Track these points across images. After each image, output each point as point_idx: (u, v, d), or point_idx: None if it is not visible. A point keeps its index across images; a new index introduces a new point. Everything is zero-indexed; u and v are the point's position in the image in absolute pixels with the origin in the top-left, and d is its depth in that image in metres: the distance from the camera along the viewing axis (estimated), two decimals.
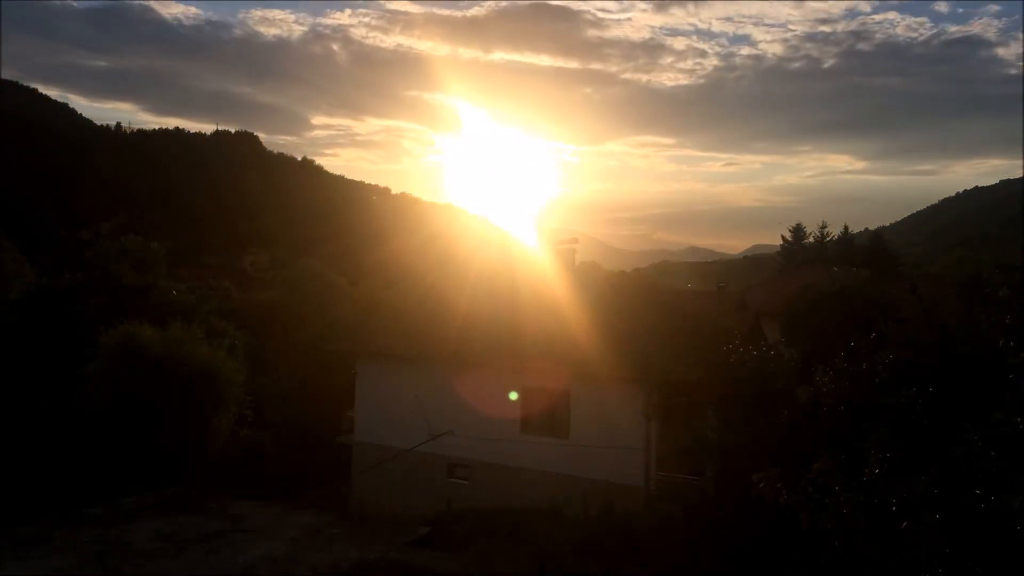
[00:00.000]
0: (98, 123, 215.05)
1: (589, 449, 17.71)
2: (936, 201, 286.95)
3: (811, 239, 72.11)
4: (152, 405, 19.59)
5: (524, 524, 14.66)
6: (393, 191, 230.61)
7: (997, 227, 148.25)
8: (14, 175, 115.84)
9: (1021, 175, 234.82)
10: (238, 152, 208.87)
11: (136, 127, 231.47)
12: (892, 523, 7.15)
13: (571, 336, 19.18)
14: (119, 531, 6.92)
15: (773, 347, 19.26)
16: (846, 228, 77.44)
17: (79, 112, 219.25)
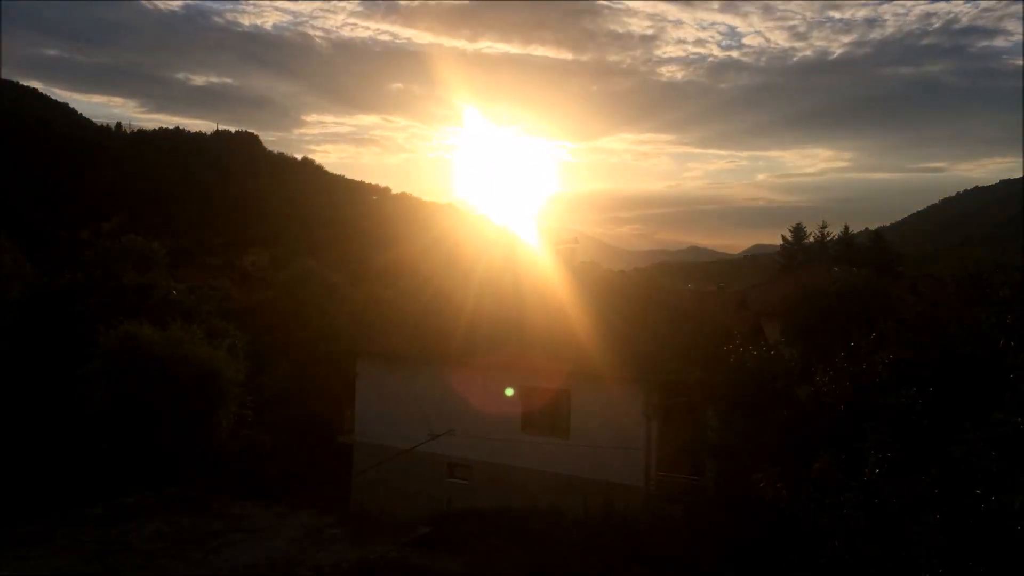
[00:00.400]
0: (97, 123, 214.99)
1: (589, 449, 17.71)
2: (937, 201, 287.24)
3: (811, 239, 72.08)
4: (152, 405, 19.58)
5: (524, 524, 14.66)
6: (393, 191, 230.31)
7: (997, 227, 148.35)
8: (14, 175, 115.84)
9: (1021, 175, 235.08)
10: (238, 152, 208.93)
11: (136, 127, 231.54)
12: (892, 523, 7.15)
13: (571, 336, 19.18)
14: (119, 531, 6.93)
15: (773, 347, 19.27)
16: (846, 228, 77.37)
17: (79, 112, 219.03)
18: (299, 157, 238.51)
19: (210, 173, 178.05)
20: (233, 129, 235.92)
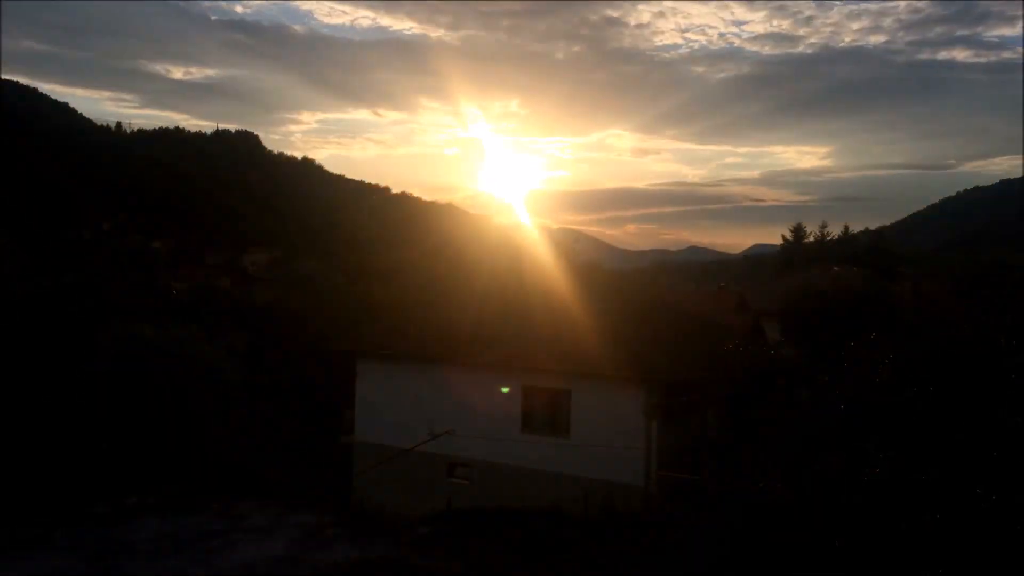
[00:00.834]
0: (98, 123, 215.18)
1: (589, 448, 17.71)
2: (936, 200, 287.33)
3: (811, 239, 72.21)
4: (152, 405, 19.62)
5: (524, 524, 14.66)
6: (393, 190, 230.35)
7: (997, 227, 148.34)
8: (14, 175, 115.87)
9: (1021, 175, 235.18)
10: (238, 151, 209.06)
11: (136, 127, 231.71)
12: (892, 523, 7.15)
13: (572, 335, 19.19)
14: (120, 531, 6.94)
15: (773, 347, 19.29)
16: (846, 228, 77.66)
17: (79, 111, 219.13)
18: (299, 156, 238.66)
19: (210, 173, 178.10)
20: (233, 129, 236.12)
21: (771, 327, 26.40)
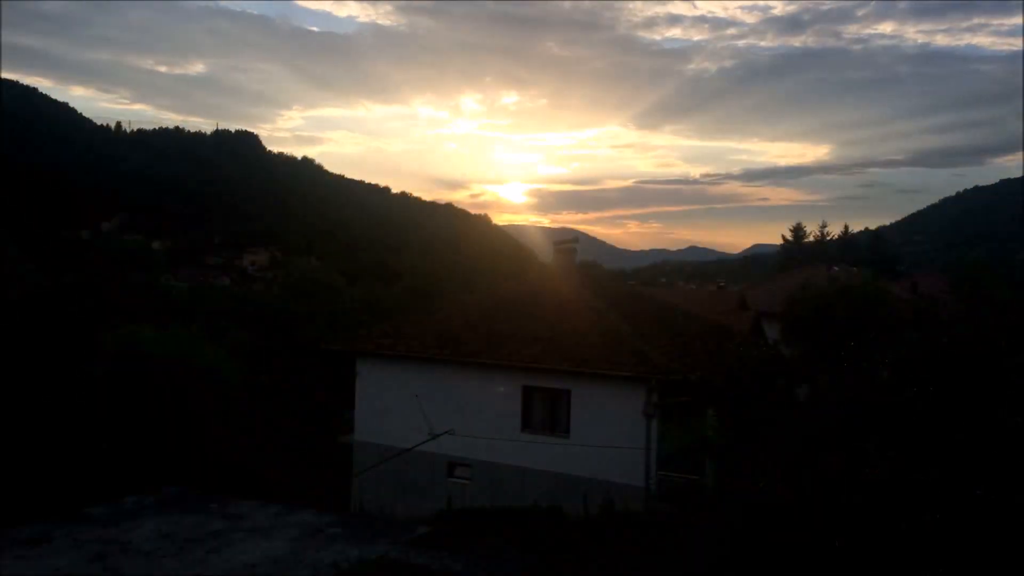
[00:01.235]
0: (98, 122, 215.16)
1: (589, 448, 17.71)
2: (936, 200, 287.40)
3: (811, 238, 72.26)
4: (152, 405, 19.62)
5: (524, 524, 14.67)
6: (393, 190, 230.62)
7: (997, 227, 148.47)
8: (14, 175, 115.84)
9: (1021, 175, 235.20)
10: (238, 152, 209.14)
11: (136, 127, 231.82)
12: (892, 523, 7.15)
13: (572, 335, 19.20)
14: (119, 531, 6.94)
15: (773, 347, 19.30)
16: (846, 228, 77.85)
17: (79, 111, 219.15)
18: (299, 156, 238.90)
19: (210, 173, 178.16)
20: (233, 128, 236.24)
21: (771, 327, 26.41)
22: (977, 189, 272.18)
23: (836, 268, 37.58)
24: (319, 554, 6.48)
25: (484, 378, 19.69)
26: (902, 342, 12.80)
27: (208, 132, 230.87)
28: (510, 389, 19.42)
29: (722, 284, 53.49)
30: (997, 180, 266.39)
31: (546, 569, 10.11)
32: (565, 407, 18.87)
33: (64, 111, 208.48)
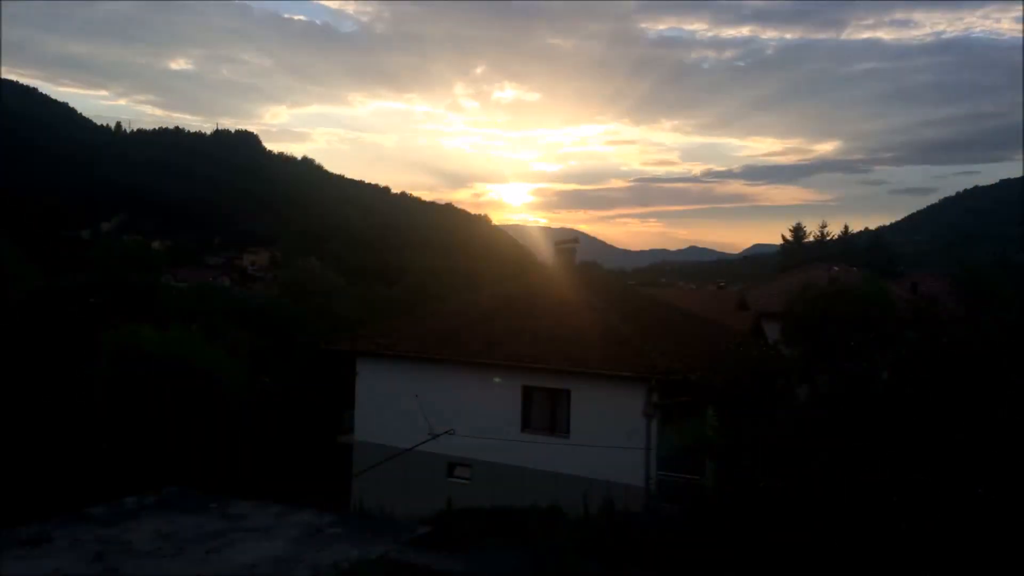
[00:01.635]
0: (98, 123, 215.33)
1: (589, 448, 17.71)
2: (936, 200, 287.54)
3: (811, 239, 72.27)
4: (152, 405, 19.63)
5: (524, 524, 14.67)
6: (393, 190, 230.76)
7: (997, 227, 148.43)
8: (15, 175, 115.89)
9: (1021, 175, 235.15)
10: (238, 152, 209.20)
11: (136, 127, 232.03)
12: (893, 523, 7.16)
13: (572, 335, 19.20)
14: (119, 531, 6.94)
15: (773, 347, 19.30)
16: (846, 228, 77.90)
17: (79, 111, 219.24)
18: (299, 156, 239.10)
19: (210, 173, 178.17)
20: (233, 128, 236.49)
21: (771, 327, 26.40)
22: (977, 189, 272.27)
23: (836, 268, 37.59)
24: (319, 554, 6.47)
25: (484, 378, 19.69)
26: (902, 342, 12.81)
27: (208, 132, 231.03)
28: (510, 389, 19.42)
29: (722, 284, 53.52)
30: (997, 180, 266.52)
31: (546, 569, 10.11)
32: (565, 407, 18.87)
33: (64, 111, 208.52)
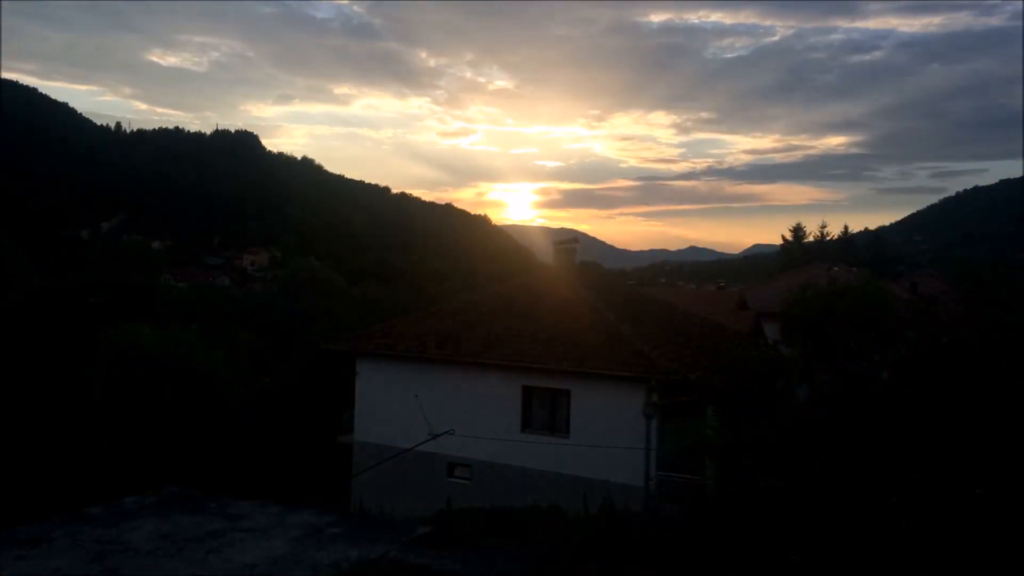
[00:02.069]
0: (98, 123, 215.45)
1: (589, 449, 17.72)
2: (936, 201, 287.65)
3: (811, 239, 72.26)
4: (152, 405, 19.63)
5: (524, 524, 14.66)
6: (393, 190, 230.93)
7: (997, 227, 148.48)
8: (15, 175, 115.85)
9: (1021, 175, 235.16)
10: (238, 152, 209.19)
11: (136, 127, 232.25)
12: (893, 523, 7.15)
13: (571, 335, 19.19)
14: (119, 531, 6.95)
15: (773, 347, 19.29)
16: (846, 228, 77.86)
17: (79, 111, 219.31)
18: (299, 157, 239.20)
19: (210, 173, 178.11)
20: (232, 129, 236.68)
21: (771, 327, 26.39)
22: (977, 189, 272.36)
23: (836, 268, 37.58)
24: (319, 554, 6.48)
25: (484, 378, 19.70)
26: (902, 342, 12.81)
27: (208, 132, 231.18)
28: (510, 389, 19.42)
29: (722, 284, 53.49)
30: (997, 180, 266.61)
31: (546, 570, 10.11)
32: (565, 407, 18.87)
33: (64, 111, 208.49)
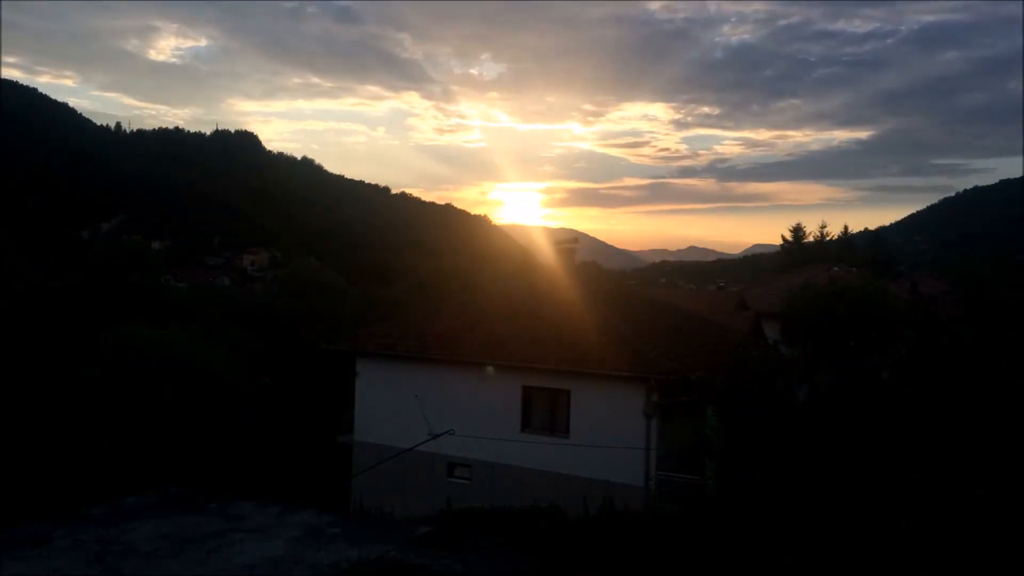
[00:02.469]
0: (98, 123, 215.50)
1: (589, 449, 17.71)
2: (936, 201, 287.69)
3: (811, 239, 72.21)
4: (152, 405, 19.64)
5: (524, 524, 14.66)
6: (392, 190, 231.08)
7: (997, 227, 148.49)
8: (14, 174, 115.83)
9: (1021, 175, 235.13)
10: (238, 152, 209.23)
11: (136, 127, 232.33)
12: (892, 523, 7.15)
13: (572, 335, 19.18)
14: (119, 531, 6.96)
15: (773, 347, 19.30)
16: (846, 228, 77.79)
17: (79, 111, 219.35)
18: (299, 157, 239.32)
19: (210, 173, 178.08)
20: (232, 129, 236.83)
21: (771, 327, 26.40)
22: (977, 189, 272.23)
23: (836, 268, 37.57)
24: (319, 554, 6.48)
25: (484, 378, 19.68)
26: (902, 342, 12.81)
27: (208, 132, 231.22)
28: (510, 389, 19.41)
29: (722, 284, 53.53)
30: (997, 180, 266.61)
31: (546, 569, 10.11)
32: (565, 407, 18.86)
33: (64, 111, 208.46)
